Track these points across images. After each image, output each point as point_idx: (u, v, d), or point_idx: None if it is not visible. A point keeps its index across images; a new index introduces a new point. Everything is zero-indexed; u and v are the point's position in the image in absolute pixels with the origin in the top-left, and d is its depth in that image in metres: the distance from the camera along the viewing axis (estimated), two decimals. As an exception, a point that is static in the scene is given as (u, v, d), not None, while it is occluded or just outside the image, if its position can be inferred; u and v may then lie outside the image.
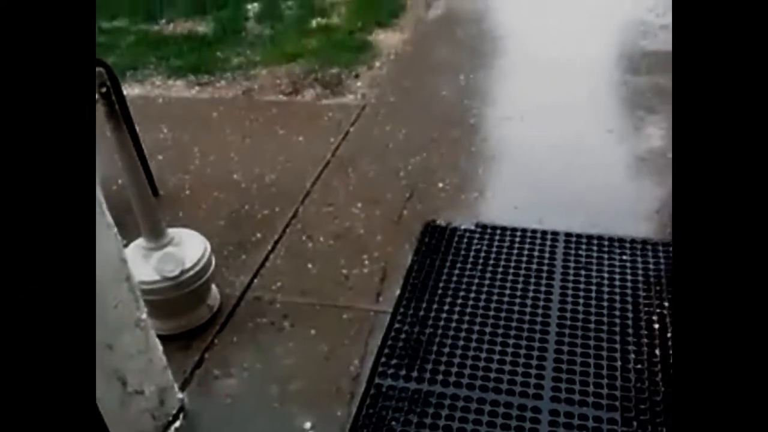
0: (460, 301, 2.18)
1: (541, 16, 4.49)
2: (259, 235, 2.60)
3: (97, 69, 1.85)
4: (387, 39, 4.34)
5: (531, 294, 2.19)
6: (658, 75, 3.59)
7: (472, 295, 2.20)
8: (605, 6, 4.55)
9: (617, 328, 2.05)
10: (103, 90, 1.81)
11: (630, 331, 2.04)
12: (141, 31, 4.64)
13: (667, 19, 4.25)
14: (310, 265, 2.43)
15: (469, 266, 2.32)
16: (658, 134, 3.09)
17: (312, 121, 3.40)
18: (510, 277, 2.27)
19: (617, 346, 1.99)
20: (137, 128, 2.52)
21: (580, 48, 3.98)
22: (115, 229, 1.58)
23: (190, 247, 2.10)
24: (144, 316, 1.72)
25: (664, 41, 3.97)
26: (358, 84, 3.78)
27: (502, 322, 2.09)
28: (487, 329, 2.07)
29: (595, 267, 2.27)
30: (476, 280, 2.26)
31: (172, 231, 2.12)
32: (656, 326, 2.05)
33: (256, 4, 4.96)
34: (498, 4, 4.92)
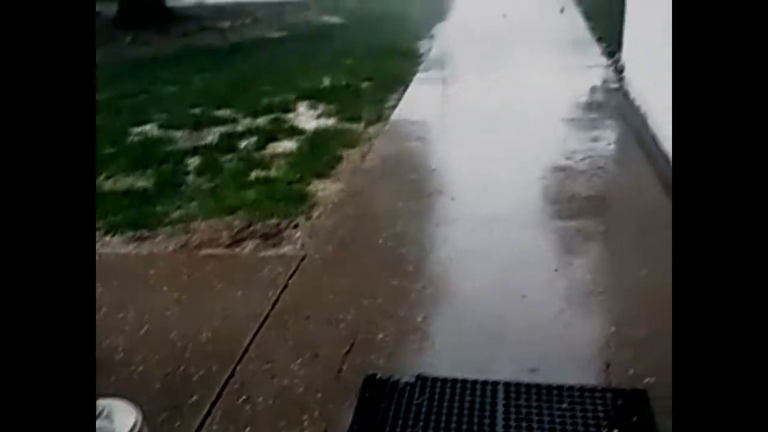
0: (403, 461, 2.12)
1: (470, 161, 4.76)
2: (195, 397, 2.52)
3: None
4: (325, 189, 4.49)
5: (474, 449, 2.16)
6: (583, 219, 3.80)
7: (415, 453, 2.15)
8: (529, 152, 4.87)
9: (562, 482, 2.02)
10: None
11: (575, 484, 2.02)
12: (79, 187, 4.67)
13: (585, 164, 4.57)
14: (248, 429, 2.35)
15: (410, 422, 2.28)
16: (587, 278, 3.22)
17: (251, 274, 3.41)
18: (452, 432, 2.24)
19: (563, 501, 1.96)
20: (70, 292, 2.49)
21: (510, 193, 4.21)
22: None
23: (120, 420, 2.01)
24: (66, 502, 1.61)
25: (585, 185, 4.24)
26: (297, 235, 3.85)
27: (446, 483, 2.04)
28: (432, 491, 2.01)
29: (535, 418, 2.27)
30: (419, 437, 2.22)
31: (101, 402, 2.03)
32: (600, 477, 2.04)
33: (196, 158, 5.10)
34: (431, 150, 5.21)
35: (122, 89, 7.40)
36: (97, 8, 9.77)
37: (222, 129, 5.83)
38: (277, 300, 3.14)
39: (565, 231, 3.70)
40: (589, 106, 5.89)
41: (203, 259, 3.63)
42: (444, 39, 9.18)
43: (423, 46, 8.84)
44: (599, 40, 7.98)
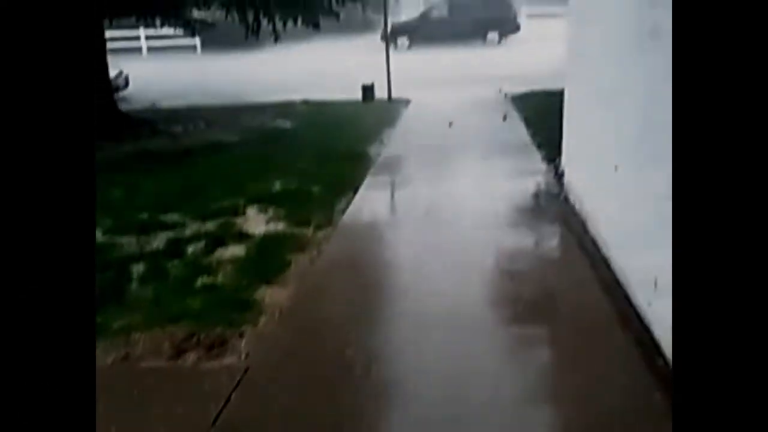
0: None
1: (418, 265, 4.80)
2: None
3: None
4: (273, 295, 4.44)
5: None
6: (529, 324, 3.85)
7: None
8: (474, 256, 4.94)
9: None
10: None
11: None
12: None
13: (529, 267, 4.67)
14: None
15: None
16: (533, 384, 3.22)
17: (192, 388, 3.31)
18: None
19: None
20: None
21: (458, 297, 4.24)
22: None
23: None
24: None
25: (529, 289, 4.32)
26: (243, 344, 3.77)
27: None
28: None
29: None
30: None
31: None
32: None
33: (140, 265, 5.02)
34: (379, 253, 5.25)
35: (69, 193, 7.33)
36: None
37: (169, 234, 5.77)
38: (218, 416, 3.04)
39: (511, 335, 3.73)
40: (532, 211, 6.08)
41: (143, 372, 3.51)
42: (392, 144, 9.47)
43: (372, 150, 9.07)
44: (539, 146, 8.34)
